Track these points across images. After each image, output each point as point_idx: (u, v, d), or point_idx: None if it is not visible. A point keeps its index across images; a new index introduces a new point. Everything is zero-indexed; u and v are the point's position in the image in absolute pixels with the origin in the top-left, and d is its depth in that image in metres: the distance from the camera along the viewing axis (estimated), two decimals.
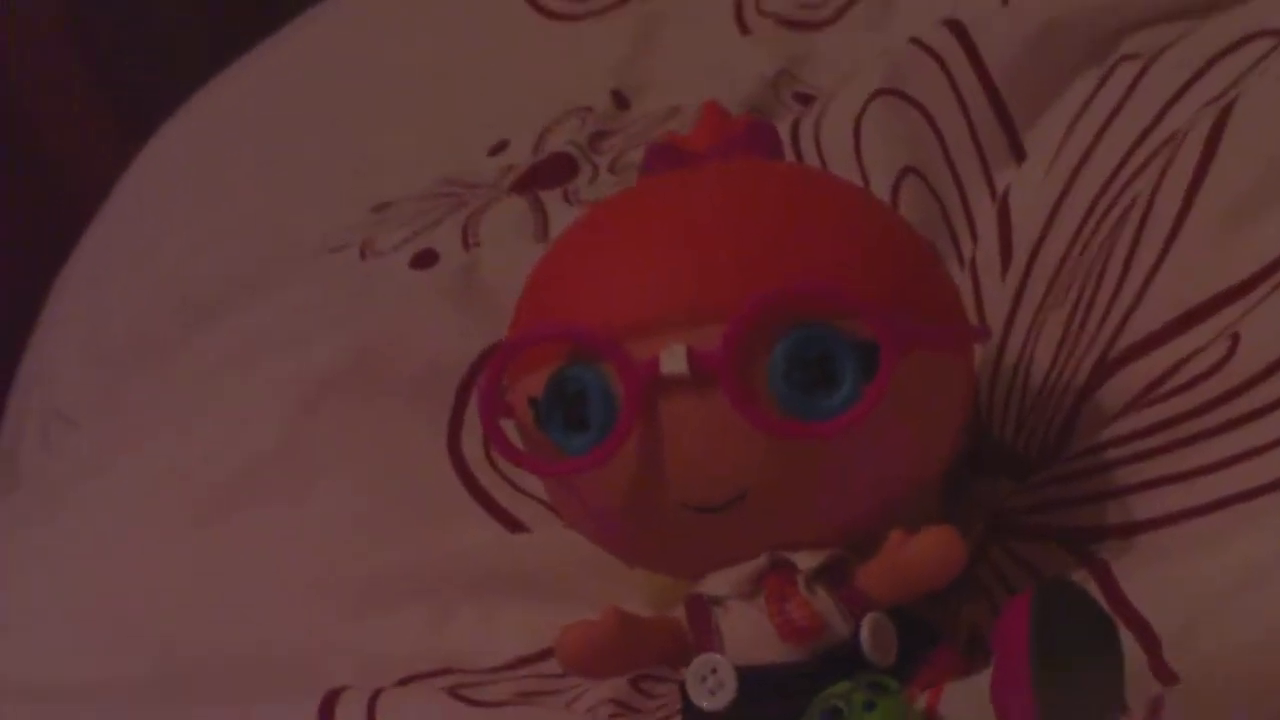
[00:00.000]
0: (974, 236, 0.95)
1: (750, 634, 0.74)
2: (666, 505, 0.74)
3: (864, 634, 0.73)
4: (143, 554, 0.95)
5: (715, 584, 0.75)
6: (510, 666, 0.86)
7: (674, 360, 0.71)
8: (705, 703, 0.73)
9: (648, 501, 0.74)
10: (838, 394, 0.72)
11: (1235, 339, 0.76)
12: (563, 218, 1.06)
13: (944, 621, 0.79)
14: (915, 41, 0.99)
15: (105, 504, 1.00)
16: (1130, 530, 0.76)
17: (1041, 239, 0.91)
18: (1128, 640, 0.71)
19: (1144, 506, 0.76)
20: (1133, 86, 0.90)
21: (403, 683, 0.84)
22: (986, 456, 0.88)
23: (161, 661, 0.88)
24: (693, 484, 0.73)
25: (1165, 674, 0.69)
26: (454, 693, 0.82)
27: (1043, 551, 0.81)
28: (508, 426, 0.77)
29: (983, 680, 0.70)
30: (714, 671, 0.74)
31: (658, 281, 0.73)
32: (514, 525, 0.94)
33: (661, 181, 0.78)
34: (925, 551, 0.72)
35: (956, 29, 0.97)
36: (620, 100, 1.21)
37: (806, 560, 0.74)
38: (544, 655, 0.86)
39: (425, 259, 1.07)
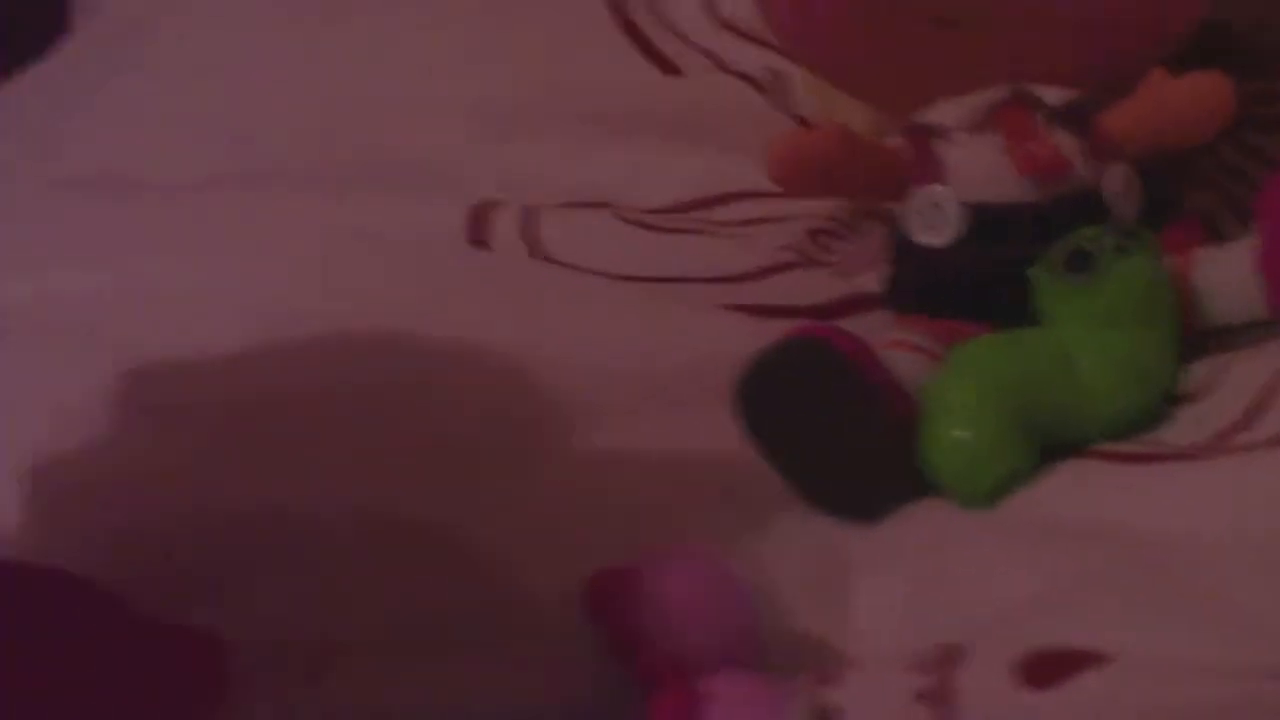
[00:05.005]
0: None
1: (982, 169, 0.65)
2: (909, 13, 0.65)
3: (1110, 180, 0.65)
4: (264, 54, 0.85)
5: (941, 113, 0.66)
6: (671, 209, 0.78)
7: None
8: (925, 238, 0.66)
9: (889, 7, 0.65)
10: None
11: None
12: None
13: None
14: None
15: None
16: None
17: None
18: None
19: None
20: None
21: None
22: (1215, 49, 0.80)
23: (289, 155, 0.79)
24: None
25: None
26: (622, 217, 0.74)
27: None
28: None
29: (1237, 250, 0.63)
30: (937, 206, 0.66)
31: None
32: (668, 68, 0.85)
33: None
34: (1196, 91, 0.65)
35: None
36: None
37: (1052, 96, 0.66)
38: (704, 203, 0.78)
39: None
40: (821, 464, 0.59)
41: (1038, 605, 0.51)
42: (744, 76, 0.84)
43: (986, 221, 0.65)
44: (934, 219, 0.65)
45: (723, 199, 0.78)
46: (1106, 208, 0.65)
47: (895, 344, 0.63)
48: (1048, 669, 0.46)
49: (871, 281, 0.70)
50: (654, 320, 0.67)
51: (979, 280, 0.65)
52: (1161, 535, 0.54)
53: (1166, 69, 0.70)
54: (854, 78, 0.71)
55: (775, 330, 0.65)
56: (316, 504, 0.59)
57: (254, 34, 0.87)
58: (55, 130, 0.84)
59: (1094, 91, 0.66)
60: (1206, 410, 0.58)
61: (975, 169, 0.66)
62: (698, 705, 0.48)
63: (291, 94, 0.82)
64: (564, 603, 0.53)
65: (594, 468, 0.61)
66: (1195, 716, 0.47)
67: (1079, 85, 0.66)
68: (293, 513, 0.59)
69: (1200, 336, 0.63)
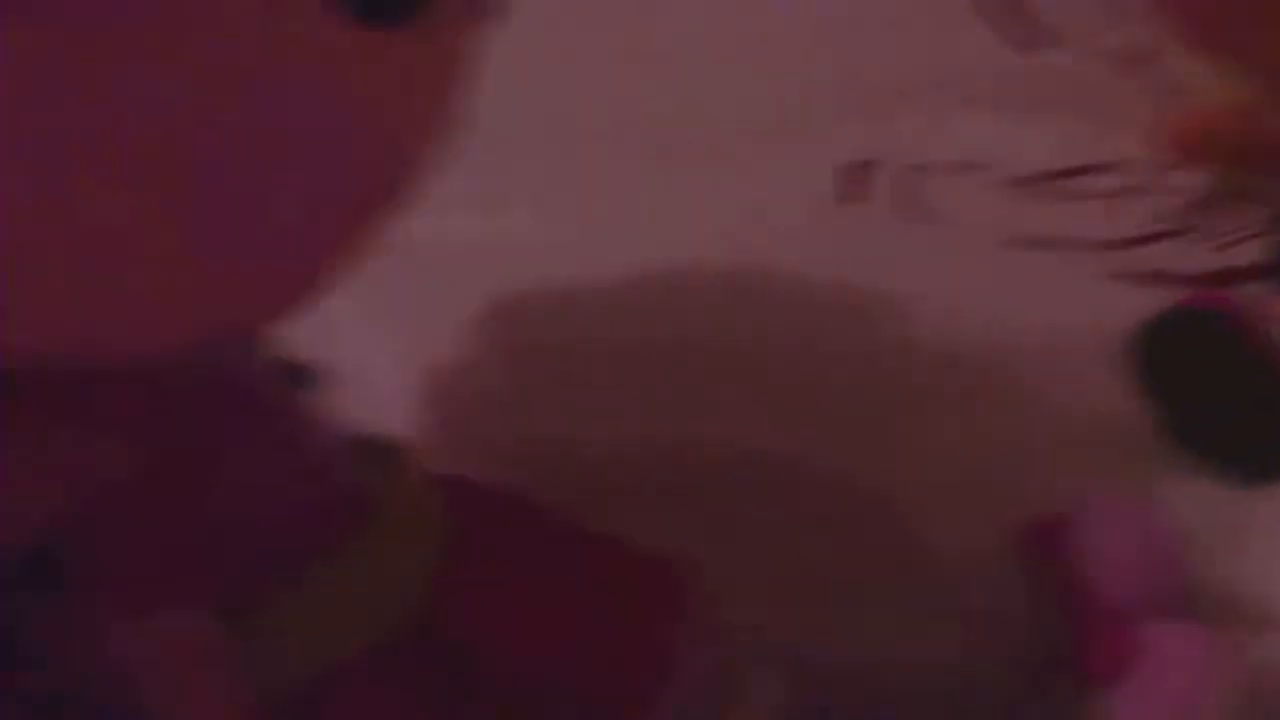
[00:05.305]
0: None
1: None
2: None
3: None
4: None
5: None
6: (1046, 178, 0.78)
7: None
8: None
9: None
10: None
11: None
12: None
13: None
14: None
15: None
16: None
17: None
18: None
19: None
20: None
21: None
22: None
23: (664, 115, 0.81)
24: None
25: None
26: (996, 181, 0.75)
27: None
28: None
29: None
30: None
31: None
32: (1030, 40, 0.85)
33: None
34: None
35: None
36: None
37: None
38: (1069, 173, 0.78)
39: None
40: (1213, 433, 0.60)
41: None
42: (1112, 50, 0.84)
43: None
44: None
45: (1087, 169, 0.78)
46: None
47: None
48: None
49: (1248, 254, 0.70)
50: (1038, 282, 0.68)
51: None
52: None
53: None
54: (1251, 57, 0.71)
55: (1159, 298, 0.65)
56: (713, 443, 0.61)
57: None
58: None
59: None
60: None
61: None
62: (1134, 654, 0.48)
63: (663, 56, 0.84)
64: (975, 556, 0.54)
65: (991, 423, 0.62)
66: None
67: None
68: (690, 449, 0.61)
69: None
